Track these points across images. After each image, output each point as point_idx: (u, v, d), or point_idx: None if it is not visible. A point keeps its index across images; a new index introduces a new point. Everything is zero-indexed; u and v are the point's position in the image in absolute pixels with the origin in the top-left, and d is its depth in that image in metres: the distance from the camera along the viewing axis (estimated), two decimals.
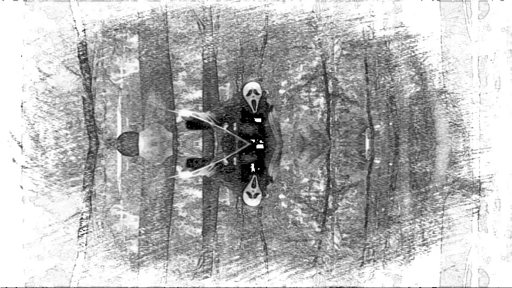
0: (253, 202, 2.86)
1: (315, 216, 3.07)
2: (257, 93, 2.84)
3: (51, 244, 3.01)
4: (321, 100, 3.05)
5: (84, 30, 3.00)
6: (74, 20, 3.00)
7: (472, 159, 3.07)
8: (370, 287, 3.08)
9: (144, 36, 3.02)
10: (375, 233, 3.06)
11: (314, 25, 3.05)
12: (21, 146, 2.97)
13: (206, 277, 3.07)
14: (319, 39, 3.05)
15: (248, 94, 2.79)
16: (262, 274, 3.08)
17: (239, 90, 2.78)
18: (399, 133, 3.05)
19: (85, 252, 3.01)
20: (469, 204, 3.08)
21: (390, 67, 3.05)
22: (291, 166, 3.06)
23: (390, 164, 3.04)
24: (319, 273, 3.08)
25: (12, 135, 2.97)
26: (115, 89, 3.01)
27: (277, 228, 3.07)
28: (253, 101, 2.87)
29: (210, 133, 2.77)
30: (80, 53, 2.99)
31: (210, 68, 3.04)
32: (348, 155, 3.05)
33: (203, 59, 3.03)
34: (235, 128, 2.78)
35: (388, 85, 3.05)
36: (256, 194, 2.88)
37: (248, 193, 2.87)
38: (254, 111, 2.76)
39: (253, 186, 2.87)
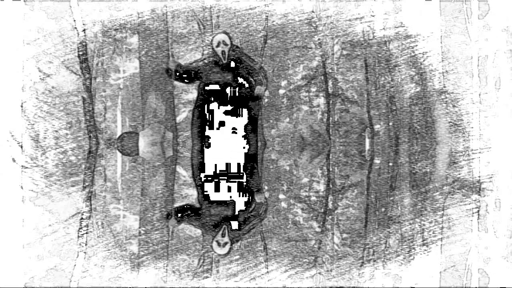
0: (221, 251, 2.95)
1: (315, 216, 3.07)
2: (225, 44, 2.92)
3: (51, 244, 3.01)
4: (321, 100, 3.05)
5: (84, 30, 3.00)
6: (74, 20, 3.00)
7: (472, 159, 3.07)
8: (370, 287, 3.08)
9: (144, 36, 3.02)
10: (375, 233, 3.06)
11: (314, 25, 3.05)
12: (21, 146, 2.97)
13: (206, 277, 3.07)
14: (319, 39, 3.05)
15: (218, 46, 2.87)
16: (262, 274, 3.08)
17: (209, 43, 2.90)
18: (399, 133, 3.05)
19: (85, 252, 3.01)
20: (469, 204, 3.08)
21: (390, 67, 3.05)
22: (291, 166, 3.06)
23: (390, 164, 3.04)
24: (319, 273, 3.08)
25: (12, 135, 2.97)
26: (115, 89, 3.01)
27: (277, 228, 3.07)
28: (223, 52, 2.93)
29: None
30: (80, 53, 2.99)
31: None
32: (348, 155, 3.05)
33: (203, 59, 3.03)
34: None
35: (388, 85, 3.05)
36: (225, 244, 2.97)
37: (218, 242, 2.96)
38: (224, 61, 2.86)
39: (223, 235, 2.96)
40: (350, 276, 3.07)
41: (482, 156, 3.07)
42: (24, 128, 2.98)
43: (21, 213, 2.98)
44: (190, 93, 3.05)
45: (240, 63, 2.91)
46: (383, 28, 3.05)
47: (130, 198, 3.02)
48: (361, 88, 3.05)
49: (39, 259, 3.00)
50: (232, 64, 2.97)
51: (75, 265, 3.02)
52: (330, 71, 3.05)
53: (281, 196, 3.08)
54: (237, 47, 2.80)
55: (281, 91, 3.06)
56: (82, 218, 3.01)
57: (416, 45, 3.06)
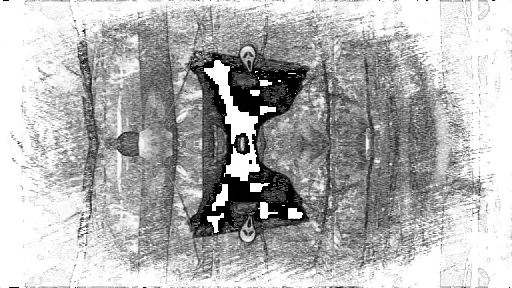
0: (248, 239, 3.07)
1: (315, 216, 3.07)
2: (251, 55, 3.00)
3: (51, 244, 3.01)
4: (321, 100, 3.06)
5: (84, 30, 3.00)
6: (74, 20, 3.00)
7: (472, 159, 3.07)
8: (370, 287, 3.08)
9: (144, 36, 3.02)
10: (375, 233, 3.06)
11: (314, 25, 3.05)
12: (21, 146, 2.97)
13: (206, 277, 3.07)
14: (319, 39, 3.05)
15: (245, 56, 2.98)
16: (262, 274, 3.08)
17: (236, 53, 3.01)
18: (399, 133, 3.05)
19: (85, 252, 3.02)
20: (469, 204, 3.08)
21: (390, 67, 3.05)
22: (291, 166, 3.06)
23: (390, 164, 3.05)
24: (319, 273, 3.08)
25: (12, 135, 2.97)
26: (115, 89, 3.01)
27: (277, 228, 3.07)
28: (248, 62, 3.00)
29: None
30: (80, 53, 3.00)
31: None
32: (348, 155, 3.05)
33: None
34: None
35: (388, 85, 3.05)
36: (251, 232, 3.08)
37: (245, 231, 3.07)
38: (249, 70, 2.98)
39: (249, 225, 3.07)
40: (350, 276, 3.08)
41: (482, 156, 3.07)
42: (24, 128, 2.98)
43: (21, 213, 2.99)
44: (190, 93, 3.05)
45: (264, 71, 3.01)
46: (383, 28, 3.05)
47: (130, 198, 3.02)
48: (361, 88, 3.05)
49: (39, 259, 3.00)
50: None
51: (75, 265, 3.02)
52: (330, 71, 3.05)
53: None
54: (262, 57, 2.92)
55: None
56: (82, 218, 3.01)
57: (416, 45, 3.06)
